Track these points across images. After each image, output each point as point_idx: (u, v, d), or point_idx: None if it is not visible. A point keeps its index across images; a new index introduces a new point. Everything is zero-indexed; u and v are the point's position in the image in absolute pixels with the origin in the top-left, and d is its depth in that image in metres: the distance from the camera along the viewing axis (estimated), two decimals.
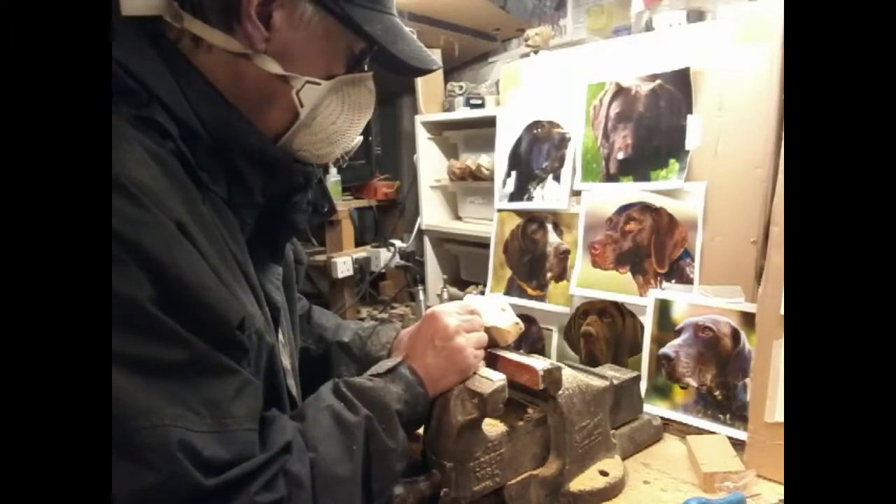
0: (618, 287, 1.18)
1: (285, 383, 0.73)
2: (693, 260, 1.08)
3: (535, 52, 1.50)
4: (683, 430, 1.03)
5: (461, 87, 1.78)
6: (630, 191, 1.17)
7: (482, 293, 1.50)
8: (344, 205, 1.94)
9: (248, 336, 0.60)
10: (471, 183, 1.71)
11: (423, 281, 1.89)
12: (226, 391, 0.55)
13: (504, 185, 1.41)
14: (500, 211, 1.42)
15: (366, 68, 0.71)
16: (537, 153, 1.34)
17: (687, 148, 1.09)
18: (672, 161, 1.11)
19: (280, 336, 0.74)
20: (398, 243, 1.92)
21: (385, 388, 0.71)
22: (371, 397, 0.68)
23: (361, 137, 0.74)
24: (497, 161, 1.44)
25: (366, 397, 0.68)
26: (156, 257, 0.51)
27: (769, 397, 0.89)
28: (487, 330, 0.83)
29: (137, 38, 0.59)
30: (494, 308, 0.87)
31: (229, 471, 0.53)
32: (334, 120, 0.69)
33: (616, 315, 1.20)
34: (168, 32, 0.61)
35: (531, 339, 1.35)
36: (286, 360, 0.77)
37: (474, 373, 0.77)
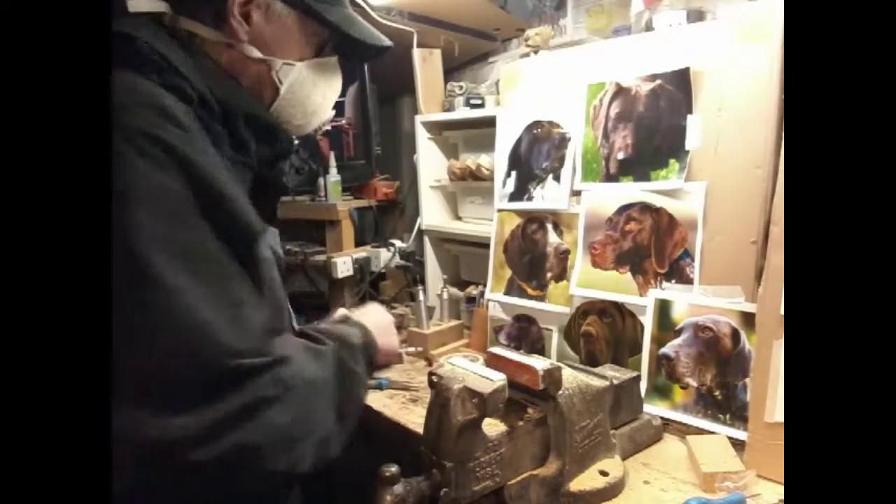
0: (618, 287, 1.18)
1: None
2: (693, 260, 1.08)
3: (535, 52, 1.49)
4: (683, 430, 1.03)
5: (461, 87, 1.77)
6: (630, 191, 1.17)
7: (482, 294, 1.50)
8: (344, 205, 1.94)
9: (264, 252, 0.69)
10: (471, 183, 1.71)
11: (423, 281, 1.89)
12: (242, 293, 0.64)
13: (504, 185, 1.41)
14: (500, 211, 1.42)
15: (329, 52, 0.86)
16: (537, 153, 1.34)
17: (687, 148, 1.09)
18: (672, 161, 1.11)
19: None
20: (398, 243, 1.92)
21: (344, 329, 0.84)
22: (334, 334, 0.79)
23: (334, 112, 0.89)
24: (497, 161, 1.44)
25: (329, 334, 0.79)
26: (195, 164, 0.61)
27: (769, 397, 0.89)
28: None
29: (153, 25, 0.71)
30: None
31: (242, 359, 0.60)
32: (309, 94, 0.83)
33: (616, 315, 1.20)
34: (167, 28, 0.74)
35: (531, 339, 1.35)
36: None
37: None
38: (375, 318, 0.93)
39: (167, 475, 0.58)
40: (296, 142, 0.89)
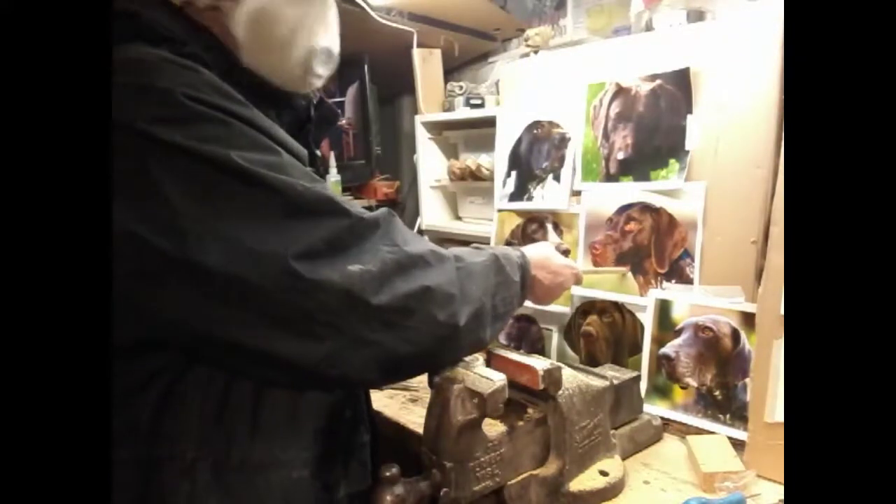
0: (618, 287, 1.18)
1: None
2: (693, 260, 1.08)
3: (535, 52, 1.50)
4: (683, 430, 1.03)
5: (461, 87, 1.78)
6: (630, 191, 1.17)
7: None
8: None
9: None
10: (471, 183, 1.71)
11: None
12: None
13: (504, 185, 1.41)
14: (500, 211, 1.42)
15: None
16: (537, 153, 1.34)
17: (687, 148, 1.09)
18: (672, 161, 1.11)
19: None
20: None
21: (503, 247, 0.88)
22: (494, 249, 0.81)
23: (334, 44, 0.75)
24: (497, 161, 1.44)
25: (490, 248, 0.81)
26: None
27: (769, 397, 0.89)
28: None
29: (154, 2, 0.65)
30: None
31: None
32: (270, 30, 0.69)
33: (616, 315, 1.20)
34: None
35: (531, 339, 1.35)
36: None
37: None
38: (537, 250, 0.93)
39: (356, 326, 0.60)
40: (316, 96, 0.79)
